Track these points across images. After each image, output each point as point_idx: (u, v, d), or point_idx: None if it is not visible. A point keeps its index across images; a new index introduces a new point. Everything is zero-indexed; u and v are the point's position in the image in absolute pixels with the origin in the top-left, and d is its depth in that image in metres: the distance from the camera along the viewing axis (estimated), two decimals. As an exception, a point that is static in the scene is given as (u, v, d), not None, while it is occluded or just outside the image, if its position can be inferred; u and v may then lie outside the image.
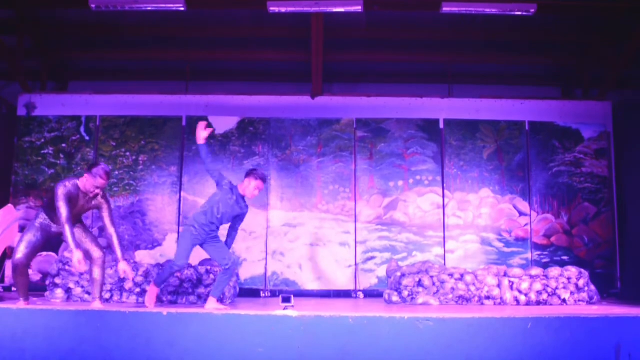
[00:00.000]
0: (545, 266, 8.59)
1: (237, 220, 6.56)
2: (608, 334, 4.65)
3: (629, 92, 10.28)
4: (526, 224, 9.39)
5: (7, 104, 10.08)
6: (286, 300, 5.48)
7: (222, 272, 6.39)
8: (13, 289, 8.87)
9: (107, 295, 7.22)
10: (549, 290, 7.39)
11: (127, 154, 9.47)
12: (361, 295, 9.10)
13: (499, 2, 8.08)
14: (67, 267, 7.37)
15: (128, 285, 7.20)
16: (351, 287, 9.18)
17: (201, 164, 6.73)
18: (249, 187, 6.36)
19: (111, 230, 6.18)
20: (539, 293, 7.36)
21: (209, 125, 7.25)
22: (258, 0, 8.22)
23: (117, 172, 9.39)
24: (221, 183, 6.42)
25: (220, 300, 7.24)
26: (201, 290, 7.25)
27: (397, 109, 9.80)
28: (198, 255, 8.73)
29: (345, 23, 9.47)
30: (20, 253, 5.97)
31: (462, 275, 7.56)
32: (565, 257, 9.24)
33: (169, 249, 9.09)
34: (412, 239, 9.33)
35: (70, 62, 10.64)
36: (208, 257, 7.50)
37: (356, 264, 9.24)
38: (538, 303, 7.34)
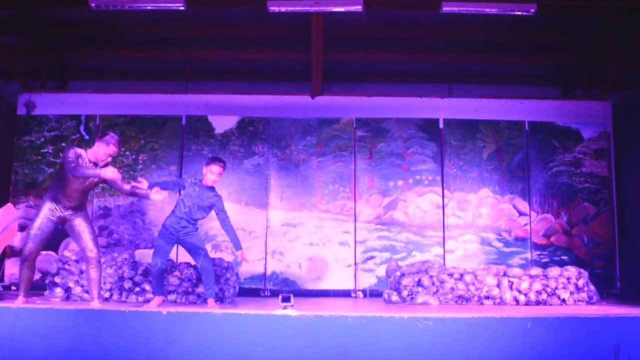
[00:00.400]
0: (544, 266, 8.59)
1: (216, 212, 6.58)
2: (607, 334, 4.64)
3: (629, 92, 10.27)
4: (526, 224, 9.39)
5: (7, 103, 10.08)
6: (286, 299, 5.47)
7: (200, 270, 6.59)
8: (13, 287, 8.88)
9: (106, 295, 7.23)
10: (549, 290, 7.39)
11: (127, 153, 9.47)
12: (360, 294, 9.11)
13: (499, 2, 8.07)
14: (66, 267, 7.38)
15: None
16: (351, 286, 9.18)
17: (174, 188, 6.81)
18: (207, 174, 6.51)
19: (128, 184, 6.26)
20: (539, 293, 7.37)
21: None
22: (258, -1, 8.24)
23: (116, 172, 9.39)
24: (182, 184, 6.63)
25: (220, 300, 7.26)
26: (201, 289, 7.25)
27: (397, 109, 9.80)
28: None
29: (345, 23, 9.48)
30: (30, 244, 5.97)
31: (461, 275, 7.57)
32: (564, 257, 9.24)
33: (168, 248, 9.09)
34: (411, 238, 9.33)
35: (70, 62, 10.63)
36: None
37: (356, 264, 9.24)
38: (537, 303, 7.34)
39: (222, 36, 9.87)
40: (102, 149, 5.98)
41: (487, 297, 7.43)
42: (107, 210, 9.31)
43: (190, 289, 7.26)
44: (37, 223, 6.01)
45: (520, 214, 9.42)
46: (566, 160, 9.56)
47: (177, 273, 7.36)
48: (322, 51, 9.36)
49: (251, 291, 9.06)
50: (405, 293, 7.48)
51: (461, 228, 9.40)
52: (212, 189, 6.57)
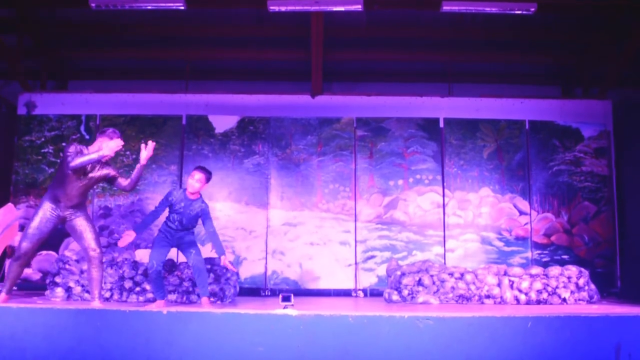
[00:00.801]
0: (545, 265, 8.59)
1: (202, 219, 6.59)
2: (608, 333, 4.64)
3: (629, 91, 10.26)
4: (526, 223, 9.39)
5: (7, 103, 10.08)
6: (286, 299, 5.47)
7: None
8: (13, 287, 8.87)
9: (107, 295, 7.22)
10: (549, 289, 7.39)
11: (127, 153, 9.47)
12: (361, 294, 9.11)
13: (499, 1, 8.07)
14: (67, 266, 7.38)
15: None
16: (351, 286, 9.18)
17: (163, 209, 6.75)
18: (188, 180, 6.52)
19: (126, 180, 6.20)
20: (539, 292, 7.37)
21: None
22: (258, -2, 8.24)
23: (117, 171, 9.40)
24: (169, 200, 6.57)
25: (221, 299, 7.26)
26: (201, 289, 7.25)
27: (397, 108, 9.80)
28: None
29: (345, 22, 9.48)
30: (26, 242, 5.95)
31: (462, 274, 7.56)
32: (565, 256, 9.24)
33: (169, 248, 9.10)
34: (412, 238, 9.33)
35: (70, 61, 10.63)
36: (207, 256, 7.52)
37: (356, 263, 9.24)
38: (538, 302, 7.34)
39: (222, 36, 9.87)
40: (106, 144, 5.92)
41: (488, 297, 7.43)
42: (108, 210, 9.31)
43: (190, 289, 7.26)
44: (36, 222, 6.00)
45: (521, 213, 9.42)
46: (566, 159, 9.56)
47: (177, 273, 7.36)
48: (322, 50, 9.35)
49: (251, 291, 9.06)
50: (405, 292, 7.47)
51: (462, 227, 9.39)
52: (198, 199, 6.56)
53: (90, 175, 6.05)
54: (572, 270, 7.56)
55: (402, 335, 4.56)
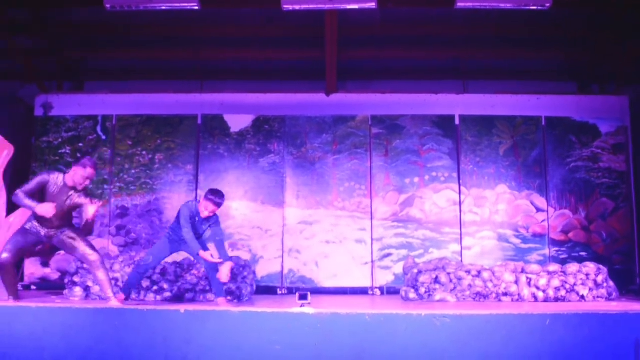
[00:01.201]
0: (563, 262, 8.53)
1: (212, 232, 6.63)
2: (627, 331, 4.60)
3: (646, 87, 10.18)
4: (543, 220, 9.34)
5: (24, 105, 10.16)
6: (303, 297, 5.48)
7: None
8: (33, 287, 8.97)
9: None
10: (567, 286, 7.34)
11: (144, 152, 9.52)
12: (378, 292, 9.10)
13: (514, -4, 8.02)
14: (85, 266, 7.43)
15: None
16: (367, 284, 9.18)
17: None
18: (200, 208, 6.52)
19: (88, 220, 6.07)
20: (557, 289, 7.33)
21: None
22: (272, -2, 8.24)
23: (133, 171, 9.45)
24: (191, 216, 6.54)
25: (238, 298, 7.28)
26: (218, 288, 7.28)
27: (412, 106, 9.77)
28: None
29: (359, 20, 9.46)
30: (6, 253, 5.94)
31: (479, 272, 7.54)
32: (583, 253, 9.18)
33: (185, 247, 9.15)
34: (428, 235, 9.31)
35: (86, 63, 10.68)
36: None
37: (372, 261, 9.23)
38: (556, 299, 7.30)
39: (236, 35, 9.89)
40: (79, 173, 5.93)
41: (505, 294, 7.40)
42: (125, 209, 9.36)
43: (207, 288, 7.29)
44: (18, 236, 6.05)
45: (538, 210, 9.37)
46: (584, 155, 9.49)
47: (194, 272, 7.39)
48: (337, 49, 9.35)
49: (268, 289, 9.08)
50: (422, 290, 7.46)
51: (478, 225, 9.36)
52: (212, 218, 6.59)
53: (67, 202, 6.02)
54: (590, 267, 7.51)
55: (419, 333, 4.55)
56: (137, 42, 10.04)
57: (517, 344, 4.56)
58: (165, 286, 7.27)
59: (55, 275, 9.07)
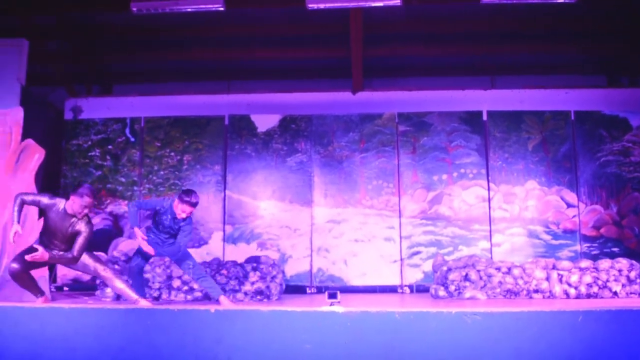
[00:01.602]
0: (594, 258, 8.43)
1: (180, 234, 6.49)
2: (662, 327, 4.53)
3: (677, 78, 10.00)
4: (574, 216, 9.23)
5: (54, 109, 10.31)
6: (332, 296, 5.49)
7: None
8: (65, 288, 9.09)
9: (155, 294, 7.33)
10: (600, 282, 7.25)
11: (172, 154, 9.60)
12: (407, 290, 9.07)
13: (540, -10, 7.93)
14: (116, 267, 7.51)
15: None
16: (397, 282, 9.15)
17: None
18: (176, 209, 6.36)
19: (72, 252, 5.96)
20: (589, 286, 7.24)
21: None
22: (296, -3, 8.24)
23: (162, 172, 9.54)
24: (157, 209, 6.51)
25: (267, 297, 7.32)
26: (247, 287, 7.32)
27: (439, 102, 9.72)
28: (246, 251, 8.83)
29: (384, 17, 9.42)
30: (16, 264, 5.86)
31: (509, 269, 7.48)
32: (615, 249, 9.05)
33: (215, 247, 9.22)
34: (457, 232, 9.25)
35: (114, 66, 10.81)
36: (253, 254, 7.58)
37: (401, 259, 9.20)
38: (588, 296, 7.21)
39: (262, 35, 9.91)
40: (78, 202, 5.90)
41: (536, 291, 7.33)
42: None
43: (237, 287, 7.32)
44: (30, 249, 5.96)
45: (568, 205, 9.26)
46: (614, 149, 9.35)
47: (224, 271, 7.43)
48: (362, 47, 9.33)
49: (297, 288, 9.10)
50: (452, 288, 7.42)
51: (508, 221, 9.28)
52: (187, 219, 6.44)
53: (61, 225, 5.98)
54: (623, 263, 7.41)
55: (449, 331, 4.52)
56: (164, 44, 10.12)
57: (549, 341, 4.51)
58: (196, 286, 7.32)
59: (87, 277, 9.17)
